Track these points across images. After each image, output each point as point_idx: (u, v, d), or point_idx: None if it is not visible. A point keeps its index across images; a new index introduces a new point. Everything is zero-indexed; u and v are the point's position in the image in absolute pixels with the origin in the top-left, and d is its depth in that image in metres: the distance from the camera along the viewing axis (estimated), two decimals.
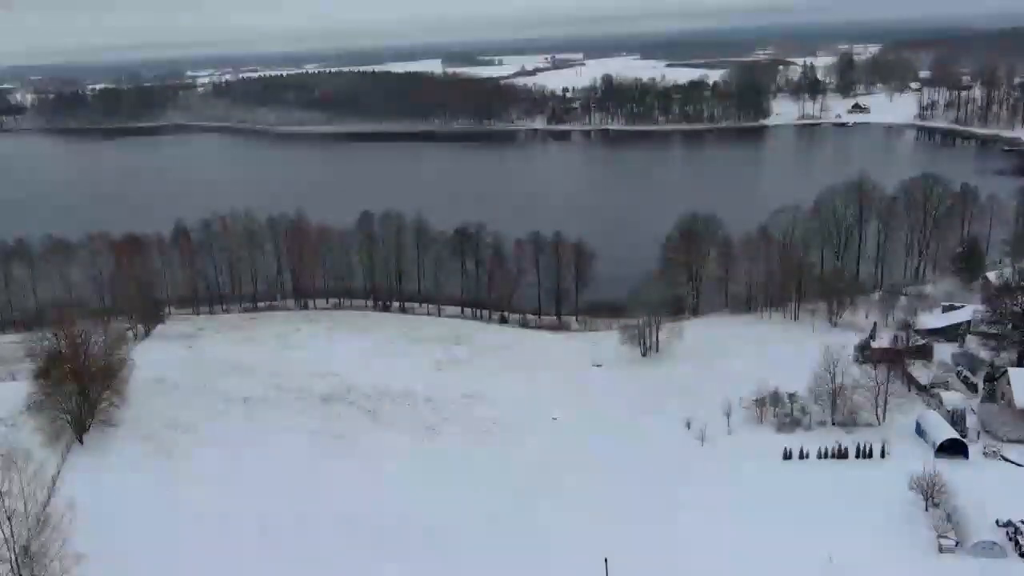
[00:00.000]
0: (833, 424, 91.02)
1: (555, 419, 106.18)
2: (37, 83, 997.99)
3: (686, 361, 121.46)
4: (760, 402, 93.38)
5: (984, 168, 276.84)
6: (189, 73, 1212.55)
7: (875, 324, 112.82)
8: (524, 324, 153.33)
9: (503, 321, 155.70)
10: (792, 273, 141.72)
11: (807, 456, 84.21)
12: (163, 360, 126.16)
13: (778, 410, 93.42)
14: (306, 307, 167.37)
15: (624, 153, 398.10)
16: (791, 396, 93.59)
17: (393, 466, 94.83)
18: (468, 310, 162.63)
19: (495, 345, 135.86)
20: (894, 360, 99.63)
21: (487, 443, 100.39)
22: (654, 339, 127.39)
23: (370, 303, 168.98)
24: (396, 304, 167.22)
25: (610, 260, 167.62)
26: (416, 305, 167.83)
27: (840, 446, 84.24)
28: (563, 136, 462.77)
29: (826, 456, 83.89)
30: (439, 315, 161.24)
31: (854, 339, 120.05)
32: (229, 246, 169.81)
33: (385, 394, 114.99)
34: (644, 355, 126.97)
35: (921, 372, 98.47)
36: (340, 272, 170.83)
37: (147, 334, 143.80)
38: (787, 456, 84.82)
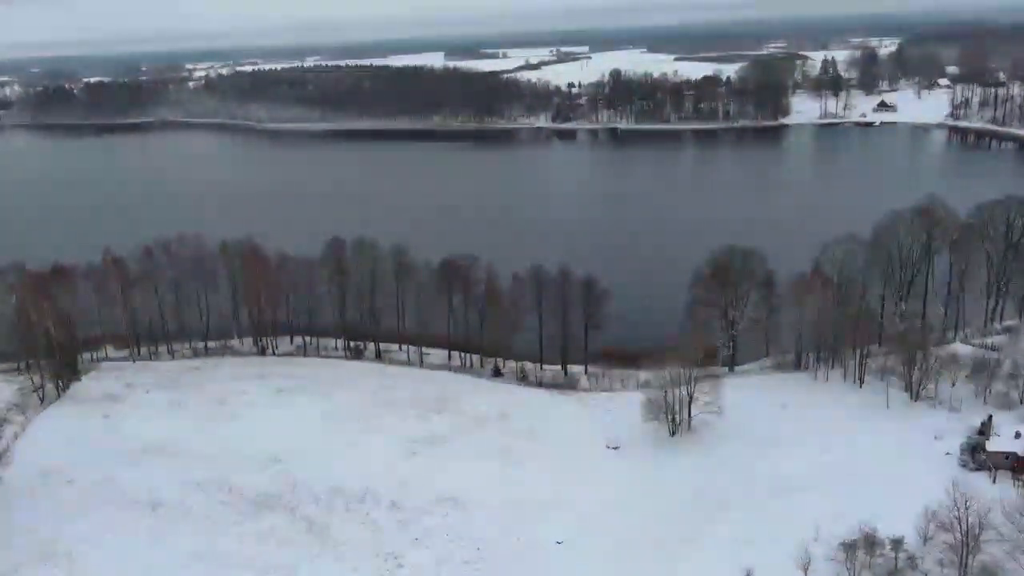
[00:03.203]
0: None
1: (559, 543, 79.59)
2: (34, 77, 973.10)
3: (728, 448, 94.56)
4: (849, 547, 66.58)
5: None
6: (188, 66, 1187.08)
7: (990, 417, 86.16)
8: (523, 377, 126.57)
9: (497, 373, 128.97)
10: (853, 322, 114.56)
11: None
12: (64, 439, 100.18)
13: (875, 560, 66.56)
14: (264, 352, 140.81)
15: (635, 155, 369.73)
16: (895, 542, 66.72)
17: None
18: (456, 355, 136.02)
19: (485, 414, 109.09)
20: None
21: None
22: (685, 414, 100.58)
23: (341, 343, 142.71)
24: (372, 346, 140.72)
25: (626, 294, 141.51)
26: (395, 348, 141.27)
27: None
28: (568, 135, 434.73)
29: None
30: (421, 363, 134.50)
31: (944, 421, 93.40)
32: (176, 277, 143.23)
33: (339, 495, 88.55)
34: (673, 434, 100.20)
35: None
36: (307, 307, 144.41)
37: (61, 393, 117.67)
38: None
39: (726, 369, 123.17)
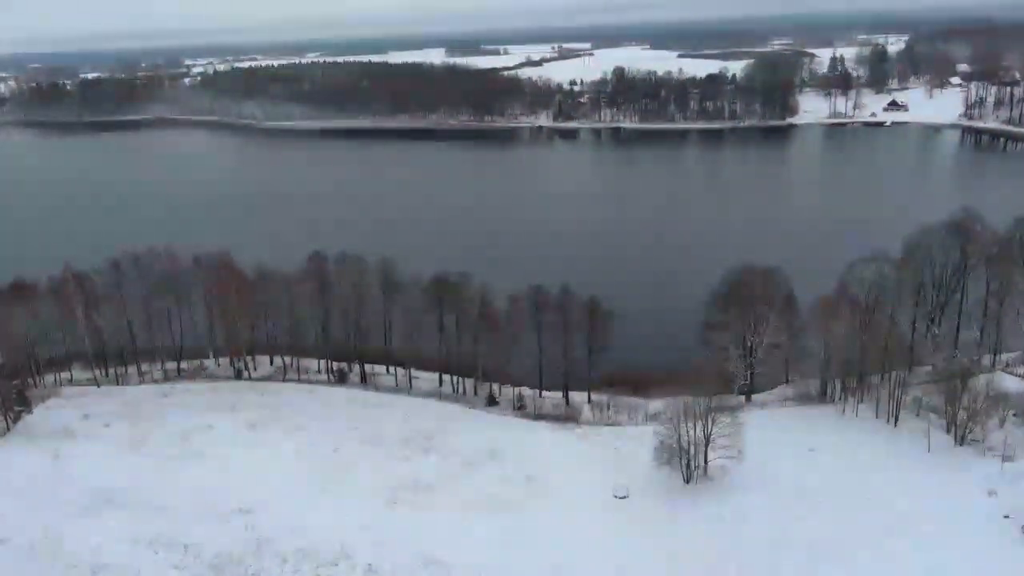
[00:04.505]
0: None
1: None
2: (34, 72, 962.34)
3: (751, 502, 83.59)
4: None
5: None
6: (187, 62, 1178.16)
7: None
8: (520, 406, 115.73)
9: (492, 402, 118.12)
10: (884, 350, 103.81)
11: None
12: (3, 486, 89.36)
13: None
14: (240, 375, 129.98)
15: (639, 156, 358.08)
16: None
17: None
18: (448, 379, 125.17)
19: (477, 454, 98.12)
20: None
21: None
22: (701, 459, 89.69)
23: (323, 365, 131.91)
24: (357, 368, 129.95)
25: (631, 312, 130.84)
26: (383, 371, 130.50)
27: None
28: (570, 135, 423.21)
29: None
30: (410, 388, 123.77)
31: (996, 472, 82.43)
32: (147, 293, 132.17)
33: (309, 556, 77.62)
34: (688, 481, 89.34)
35: None
36: (288, 326, 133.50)
37: (11, 426, 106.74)
38: None
39: (742, 399, 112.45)
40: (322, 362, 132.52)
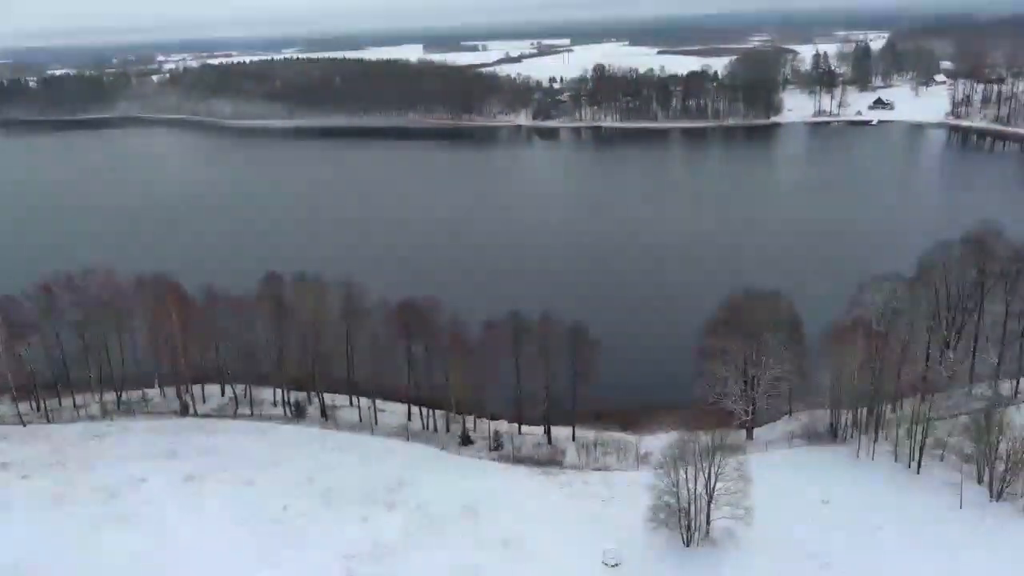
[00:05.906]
0: None
1: None
2: (1, 69, 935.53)
3: (761, 570, 72.34)
4: None
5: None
6: (160, 58, 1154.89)
7: None
8: (497, 446, 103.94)
9: (466, 441, 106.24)
10: (898, 380, 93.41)
11: None
12: None
13: None
14: (186, 410, 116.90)
15: (621, 157, 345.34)
16: None
17: None
18: (417, 413, 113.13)
19: (448, 510, 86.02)
20: None
21: None
22: (703, 519, 78.36)
23: (280, 396, 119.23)
24: (317, 401, 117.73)
25: (617, 335, 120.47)
26: (345, 403, 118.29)
27: None
28: (550, 134, 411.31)
29: None
30: (375, 423, 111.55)
31: None
32: (83, 319, 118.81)
33: None
34: (688, 545, 77.97)
35: None
36: (242, 353, 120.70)
37: None
38: None
39: (743, 435, 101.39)
40: (278, 392, 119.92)
